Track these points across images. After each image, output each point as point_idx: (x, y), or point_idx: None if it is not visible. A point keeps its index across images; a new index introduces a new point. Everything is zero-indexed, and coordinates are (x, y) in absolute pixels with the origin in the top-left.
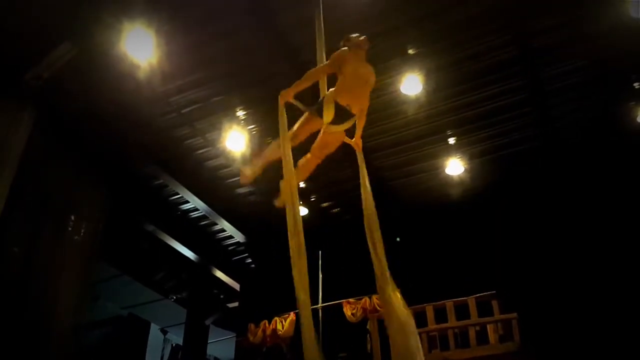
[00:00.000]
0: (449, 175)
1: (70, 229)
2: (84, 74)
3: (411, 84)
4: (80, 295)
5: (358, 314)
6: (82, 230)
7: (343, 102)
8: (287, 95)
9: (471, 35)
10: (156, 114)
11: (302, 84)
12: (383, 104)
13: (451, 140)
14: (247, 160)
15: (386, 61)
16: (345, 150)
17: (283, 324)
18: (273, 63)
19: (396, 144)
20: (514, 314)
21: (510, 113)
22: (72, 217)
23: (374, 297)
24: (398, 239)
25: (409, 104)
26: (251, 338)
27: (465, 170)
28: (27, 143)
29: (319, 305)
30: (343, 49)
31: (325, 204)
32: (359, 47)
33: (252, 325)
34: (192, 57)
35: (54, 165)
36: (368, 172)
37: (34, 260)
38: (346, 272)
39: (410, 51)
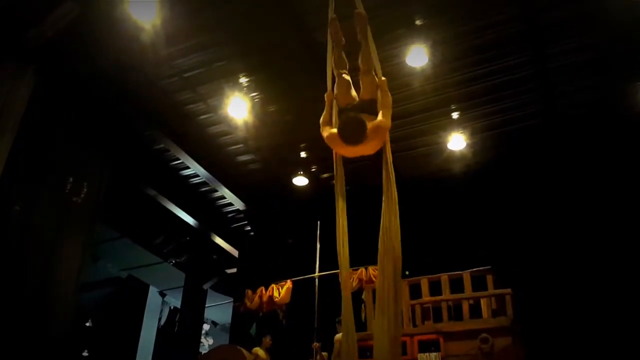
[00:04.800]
0: (451, 149)
1: (71, 190)
2: (86, 35)
3: (417, 56)
4: (80, 255)
5: (354, 284)
6: (84, 192)
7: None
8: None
9: (479, 8)
10: (159, 77)
11: None
12: (388, 75)
13: (455, 115)
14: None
15: (393, 31)
16: None
17: (280, 291)
18: (278, 29)
19: (399, 116)
20: (508, 290)
21: (514, 89)
22: (74, 179)
23: (370, 268)
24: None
25: (414, 76)
26: (248, 304)
27: (467, 145)
28: (29, 103)
29: (316, 274)
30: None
31: (325, 175)
32: None
33: (249, 291)
34: (196, 21)
35: (55, 126)
36: None
37: (36, 220)
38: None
39: (418, 22)
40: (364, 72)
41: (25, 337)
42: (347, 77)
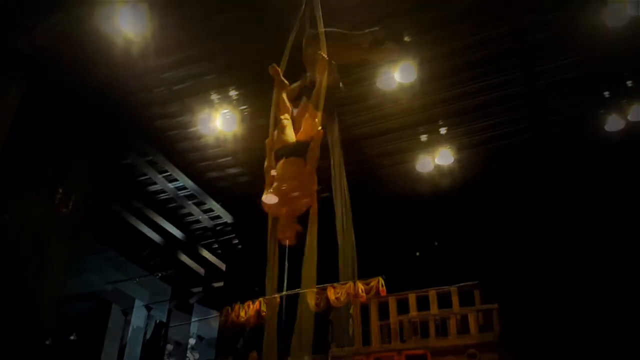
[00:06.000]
0: (438, 165)
1: (58, 200)
2: (76, 45)
3: (406, 72)
4: (66, 267)
5: (342, 298)
6: (70, 203)
7: None
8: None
9: (468, 26)
10: (147, 89)
11: None
12: (376, 91)
13: (442, 130)
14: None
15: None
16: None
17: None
18: (266, 43)
19: (387, 131)
20: (495, 305)
21: (502, 106)
22: (61, 190)
23: (359, 282)
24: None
25: (402, 92)
26: (235, 318)
27: (455, 160)
28: (17, 112)
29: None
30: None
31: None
32: None
33: (236, 305)
34: (185, 34)
35: (43, 136)
36: (357, 159)
37: (23, 230)
38: (329, 256)
39: (407, 39)
40: (310, 112)
41: (7, 348)
42: (286, 122)
